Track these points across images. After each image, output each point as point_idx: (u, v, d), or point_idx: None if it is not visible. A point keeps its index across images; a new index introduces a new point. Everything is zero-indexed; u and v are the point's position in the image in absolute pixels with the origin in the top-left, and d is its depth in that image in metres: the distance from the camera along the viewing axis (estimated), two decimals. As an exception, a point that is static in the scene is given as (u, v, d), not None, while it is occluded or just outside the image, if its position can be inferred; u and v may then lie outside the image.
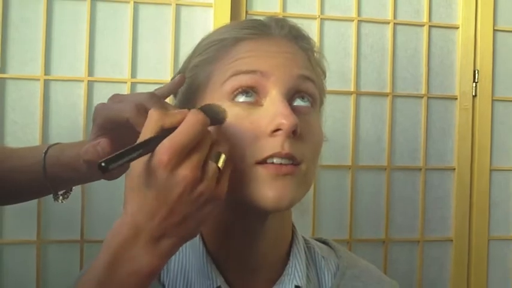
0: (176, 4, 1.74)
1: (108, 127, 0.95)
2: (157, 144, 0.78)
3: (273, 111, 0.86)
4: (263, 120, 0.86)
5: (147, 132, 0.78)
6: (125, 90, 1.69)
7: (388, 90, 1.87)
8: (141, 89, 1.71)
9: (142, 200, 0.77)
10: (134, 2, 1.71)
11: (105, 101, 0.97)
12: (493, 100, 1.94)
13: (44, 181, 1.10)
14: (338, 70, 1.83)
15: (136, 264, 0.76)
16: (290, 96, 0.90)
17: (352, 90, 1.83)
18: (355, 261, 1.12)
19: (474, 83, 1.92)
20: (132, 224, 0.76)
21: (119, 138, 0.94)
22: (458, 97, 1.92)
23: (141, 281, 0.77)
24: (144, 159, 0.77)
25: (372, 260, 1.18)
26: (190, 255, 0.95)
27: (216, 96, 0.90)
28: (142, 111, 0.88)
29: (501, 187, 1.97)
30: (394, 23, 1.88)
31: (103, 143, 0.94)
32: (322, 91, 0.99)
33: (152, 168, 0.76)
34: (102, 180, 1.62)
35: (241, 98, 0.88)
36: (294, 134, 0.86)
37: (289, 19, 1.01)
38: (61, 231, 1.68)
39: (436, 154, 1.92)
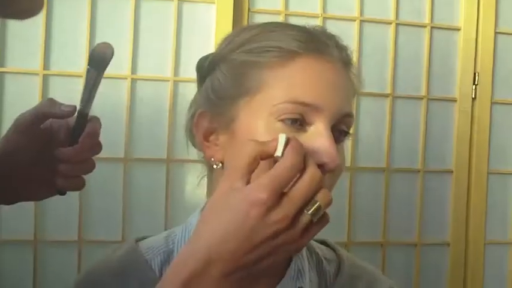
0: (178, 0, 1.71)
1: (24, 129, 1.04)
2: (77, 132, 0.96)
3: (319, 145, 0.88)
4: (307, 146, 0.85)
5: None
6: (125, 86, 1.67)
7: (388, 91, 1.86)
8: (140, 85, 1.69)
9: (222, 232, 0.75)
10: (136, -3, 1.69)
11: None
12: (492, 103, 1.94)
13: None
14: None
15: None
16: (331, 126, 0.91)
17: (352, 90, 1.81)
18: (355, 262, 1.13)
19: (474, 86, 1.91)
20: (206, 256, 0.74)
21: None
22: (458, 99, 1.91)
23: None
24: (237, 184, 0.76)
25: (370, 263, 1.18)
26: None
27: (264, 110, 0.89)
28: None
29: (498, 191, 1.97)
30: (396, 24, 1.87)
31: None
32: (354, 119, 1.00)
33: (245, 200, 0.74)
34: (101, 180, 1.62)
35: (289, 120, 0.88)
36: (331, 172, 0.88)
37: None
38: (59, 232, 1.65)
39: (435, 156, 1.92)
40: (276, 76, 0.91)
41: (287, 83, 0.91)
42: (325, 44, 0.95)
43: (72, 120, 1.05)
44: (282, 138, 0.79)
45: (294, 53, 0.92)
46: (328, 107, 0.89)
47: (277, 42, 0.94)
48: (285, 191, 0.75)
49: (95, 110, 1.62)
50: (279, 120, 0.88)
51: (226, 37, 1.03)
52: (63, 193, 1.09)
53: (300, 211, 0.76)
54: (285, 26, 1.01)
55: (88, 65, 1.02)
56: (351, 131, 1.69)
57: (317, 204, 0.76)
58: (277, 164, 0.76)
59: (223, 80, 0.97)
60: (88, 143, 1.04)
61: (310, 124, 0.89)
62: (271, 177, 0.75)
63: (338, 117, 0.91)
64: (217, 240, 0.74)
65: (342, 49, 0.98)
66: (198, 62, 1.05)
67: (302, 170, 0.77)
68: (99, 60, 1.02)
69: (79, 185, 1.09)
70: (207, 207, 0.79)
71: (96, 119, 1.06)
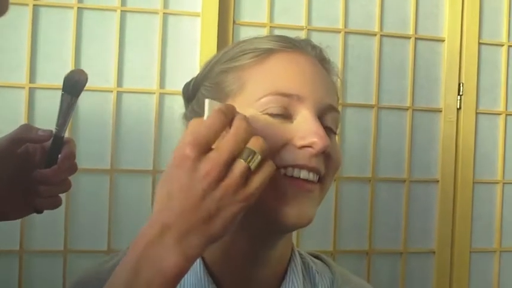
0: (163, 13, 1.73)
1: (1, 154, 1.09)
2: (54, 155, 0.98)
3: (306, 128, 0.89)
4: (295, 134, 0.89)
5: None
6: (111, 99, 1.68)
7: (373, 102, 1.87)
8: (126, 98, 1.70)
9: (168, 196, 0.76)
10: (121, 11, 1.70)
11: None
12: (477, 113, 1.95)
13: None
14: (324, 81, 1.83)
15: (162, 264, 0.74)
16: (319, 120, 0.92)
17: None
18: (348, 277, 1.14)
19: (459, 96, 1.93)
20: (158, 222, 0.75)
21: None
22: (443, 110, 1.93)
23: (166, 282, 0.74)
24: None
25: (355, 271, 1.19)
26: (189, 273, 0.93)
27: (248, 107, 0.91)
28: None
29: (484, 200, 1.98)
30: (381, 35, 1.89)
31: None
32: (340, 117, 1.02)
33: (176, 163, 0.76)
34: (87, 191, 1.63)
35: (273, 112, 0.90)
36: (323, 154, 0.89)
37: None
38: (44, 241, 1.66)
39: (420, 166, 1.93)
40: (256, 73, 0.94)
41: (267, 77, 0.93)
42: (299, 43, 0.99)
43: (47, 144, 1.08)
44: (207, 103, 0.83)
45: (270, 50, 0.95)
46: (310, 96, 0.91)
47: (253, 45, 0.97)
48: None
49: (82, 122, 1.65)
50: (264, 114, 0.90)
51: (206, 61, 1.06)
52: (40, 212, 1.12)
53: (231, 161, 0.77)
54: (259, 37, 1.04)
55: (62, 90, 1.05)
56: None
57: (249, 149, 0.78)
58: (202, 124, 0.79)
59: (206, 92, 0.99)
60: (66, 164, 1.07)
61: (295, 114, 0.91)
62: (192, 134, 0.76)
63: (321, 108, 0.93)
64: (164, 204, 0.76)
65: (316, 48, 1.02)
66: (183, 88, 1.08)
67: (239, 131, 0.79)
68: (73, 85, 1.05)
69: (56, 204, 1.12)
70: (158, 185, 0.81)
71: (71, 141, 1.10)
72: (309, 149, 0.88)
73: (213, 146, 0.77)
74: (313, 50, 1.00)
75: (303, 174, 0.89)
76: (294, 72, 0.94)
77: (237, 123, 0.79)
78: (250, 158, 0.78)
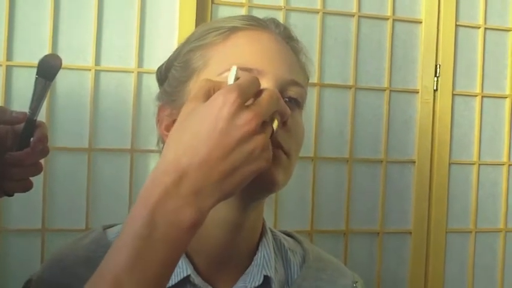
0: (141, -8, 1.73)
1: None
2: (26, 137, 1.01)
3: None
4: None
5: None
6: (89, 77, 1.68)
7: (351, 83, 1.88)
8: (104, 77, 1.70)
9: (194, 138, 0.73)
10: (99, -12, 1.70)
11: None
12: (453, 94, 1.97)
13: None
14: (302, 62, 1.84)
15: (179, 217, 0.70)
16: (280, 94, 0.91)
17: (315, 82, 1.84)
18: (320, 255, 1.15)
19: (435, 78, 1.94)
20: (176, 170, 0.71)
21: None
22: (420, 91, 1.94)
23: (182, 235, 0.71)
24: (198, 96, 0.78)
25: (333, 251, 1.20)
26: None
27: None
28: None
29: (460, 181, 2.01)
30: (358, 16, 1.90)
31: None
32: (305, 94, 1.01)
33: (213, 105, 0.74)
34: (65, 170, 1.63)
35: None
36: (284, 125, 0.89)
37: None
38: (22, 220, 1.66)
39: (397, 147, 1.95)
40: (219, 50, 0.96)
41: (229, 53, 0.95)
42: (264, 22, 1.01)
43: (18, 127, 1.08)
44: (233, 69, 0.84)
45: (235, 28, 0.97)
46: (270, 71, 0.92)
47: (218, 24, 1.00)
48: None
49: (60, 101, 1.65)
50: None
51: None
52: (11, 195, 1.12)
53: (268, 118, 0.78)
54: (227, 17, 1.05)
55: (36, 74, 1.05)
56: (314, 122, 1.73)
57: (276, 113, 0.81)
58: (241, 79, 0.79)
59: (176, 72, 1.01)
60: (39, 146, 1.08)
61: None
62: (236, 84, 0.76)
63: (283, 83, 0.94)
64: (186, 150, 0.72)
65: (280, 25, 1.03)
66: (157, 70, 1.10)
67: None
68: (47, 69, 1.06)
69: (27, 187, 1.12)
70: (173, 128, 0.77)
71: (43, 125, 1.10)
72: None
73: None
74: (277, 28, 1.02)
75: None
76: (255, 48, 0.95)
77: (269, 89, 0.81)
78: (277, 121, 0.81)
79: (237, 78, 0.82)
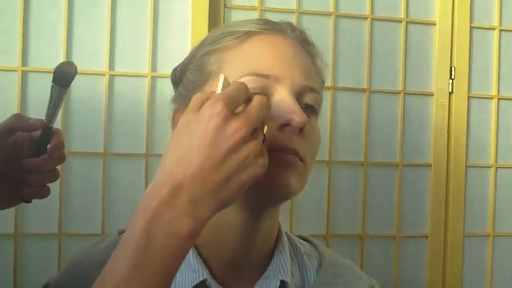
0: (154, -4, 1.74)
1: None
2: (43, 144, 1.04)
3: (284, 107, 0.90)
4: (273, 113, 0.89)
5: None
6: (103, 82, 1.69)
7: (365, 86, 1.88)
8: (118, 81, 1.71)
9: (186, 151, 0.74)
10: (112, -7, 1.71)
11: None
12: (469, 97, 1.96)
13: None
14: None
15: (176, 227, 0.72)
16: (296, 99, 0.93)
17: (329, 85, 1.83)
18: (336, 259, 1.15)
19: (450, 80, 1.93)
20: (171, 182, 0.73)
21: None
22: (435, 93, 1.93)
23: (179, 245, 0.72)
24: (192, 109, 0.78)
25: (348, 255, 1.20)
26: None
27: None
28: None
29: (477, 184, 1.98)
30: (372, 19, 1.89)
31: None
32: (321, 99, 1.02)
33: (201, 117, 0.75)
34: (81, 174, 1.64)
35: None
36: (301, 131, 0.90)
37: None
38: (39, 224, 1.67)
39: (413, 150, 1.93)
40: (235, 55, 0.96)
41: (246, 58, 0.95)
42: (279, 25, 1.02)
43: (35, 134, 1.11)
44: (221, 78, 0.83)
45: (250, 32, 0.97)
46: (287, 77, 0.93)
47: (233, 28, 1.00)
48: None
49: (75, 106, 1.66)
50: None
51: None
52: (29, 201, 1.14)
53: (257, 126, 0.79)
54: (242, 20, 1.06)
55: (52, 81, 1.07)
56: (329, 125, 1.73)
57: (263, 123, 0.81)
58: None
59: (191, 75, 1.02)
60: (56, 153, 1.10)
61: (273, 95, 0.92)
62: (223, 93, 0.77)
63: (299, 89, 0.94)
64: (180, 162, 0.74)
65: (296, 30, 1.03)
66: (171, 73, 1.11)
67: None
68: (62, 77, 1.08)
69: (44, 193, 1.14)
70: (170, 140, 0.79)
71: (59, 132, 1.13)
72: (288, 127, 0.89)
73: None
74: (293, 32, 1.02)
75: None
76: (271, 54, 0.95)
77: (258, 97, 0.81)
78: (267, 127, 0.82)
79: (227, 86, 0.82)
